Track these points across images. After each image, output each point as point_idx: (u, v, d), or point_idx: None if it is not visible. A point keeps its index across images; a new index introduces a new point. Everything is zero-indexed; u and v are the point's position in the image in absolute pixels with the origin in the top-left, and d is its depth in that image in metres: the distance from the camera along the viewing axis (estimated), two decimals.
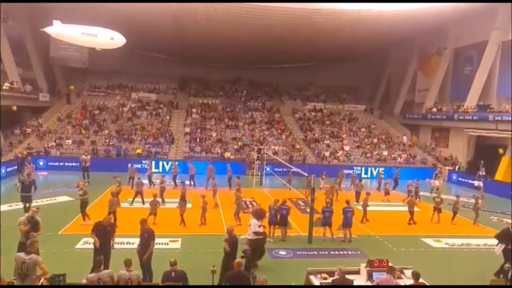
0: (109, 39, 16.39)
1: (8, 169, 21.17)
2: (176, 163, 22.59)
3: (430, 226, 15.10)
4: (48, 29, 15.74)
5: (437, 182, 22.31)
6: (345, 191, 20.41)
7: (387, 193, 19.27)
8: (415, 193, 18.43)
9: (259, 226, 9.99)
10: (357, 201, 17.52)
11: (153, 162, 24.70)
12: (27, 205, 13.34)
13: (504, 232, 10.03)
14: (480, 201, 16.05)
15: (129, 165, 21.64)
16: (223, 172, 21.36)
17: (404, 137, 33.02)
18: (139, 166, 24.11)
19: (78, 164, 23.23)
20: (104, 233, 8.81)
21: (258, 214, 10.41)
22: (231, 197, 15.85)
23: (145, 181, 18.89)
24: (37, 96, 30.31)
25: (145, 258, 8.32)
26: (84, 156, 21.57)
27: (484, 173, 22.80)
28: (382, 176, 22.84)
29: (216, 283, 7.79)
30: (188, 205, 14.54)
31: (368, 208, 15.10)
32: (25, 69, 30.44)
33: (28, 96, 28.95)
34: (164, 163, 25.80)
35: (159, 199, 14.35)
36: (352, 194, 18.52)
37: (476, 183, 22.34)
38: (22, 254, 6.56)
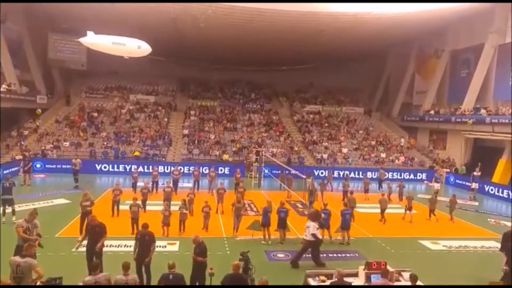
0: (136, 47, 17.40)
1: (4, 171, 21.03)
2: (156, 167, 21.12)
3: (428, 228, 15.12)
4: (83, 40, 16.84)
5: (436, 185, 22.33)
6: (335, 193, 20.54)
7: (366, 190, 20.11)
8: (400, 194, 19.28)
9: (317, 229, 10.42)
10: (344, 199, 17.95)
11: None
12: (11, 208, 13.17)
13: (506, 236, 9.88)
14: (457, 200, 16.90)
15: (151, 167, 21.21)
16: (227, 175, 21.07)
17: (402, 139, 33.12)
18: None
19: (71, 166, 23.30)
20: (92, 233, 8.69)
21: (315, 216, 10.72)
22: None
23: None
24: (35, 98, 30.23)
25: (147, 261, 8.31)
26: (74, 160, 20.91)
27: (479, 174, 22.71)
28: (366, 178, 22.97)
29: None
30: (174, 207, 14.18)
31: (364, 211, 15.15)
32: (22, 71, 30.38)
33: (26, 98, 28.86)
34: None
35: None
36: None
37: (473, 185, 22.24)
38: (17, 258, 6.54)
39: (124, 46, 16.98)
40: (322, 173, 25.84)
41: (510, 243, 9.51)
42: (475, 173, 22.46)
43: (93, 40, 16.73)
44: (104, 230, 8.80)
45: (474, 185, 22.14)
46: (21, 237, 8.37)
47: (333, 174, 24.80)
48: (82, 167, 22.89)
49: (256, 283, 6.64)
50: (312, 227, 10.39)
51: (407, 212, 15.97)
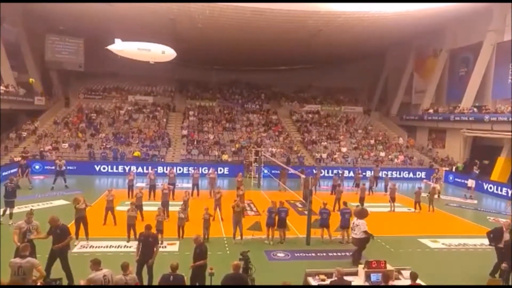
0: (160, 52, 17.91)
1: (3, 173, 20.99)
2: (154, 170, 20.36)
3: (427, 226, 15.15)
4: (111, 47, 17.34)
5: (432, 184, 22.42)
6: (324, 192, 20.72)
7: (357, 185, 20.84)
8: (370, 187, 21.08)
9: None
10: (332, 193, 19.14)
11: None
12: (9, 211, 13.14)
13: (497, 231, 10.01)
14: (437, 191, 18.57)
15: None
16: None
17: (400, 139, 33.15)
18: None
19: (77, 167, 23.22)
20: (54, 235, 8.50)
21: (362, 214, 10.88)
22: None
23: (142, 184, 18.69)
24: (33, 100, 30.18)
25: (151, 262, 8.34)
26: (58, 161, 20.63)
27: (476, 171, 22.59)
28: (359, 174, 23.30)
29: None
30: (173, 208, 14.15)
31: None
32: (20, 73, 30.31)
33: (24, 99, 28.80)
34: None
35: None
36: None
37: (469, 182, 22.15)
38: (17, 259, 6.51)
39: (149, 52, 17.52)
40: (321, 172, 25.86)
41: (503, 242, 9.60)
42: (473, 171, 22.43)
43: (120, 47, 17.33)
44: (66, 232, 8.60)
45: (470, 182, 22.01)
46: (14, 240, 8.33)
47: (332, 173, 24.92)
48: (82, 169, 22.85)
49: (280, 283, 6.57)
50: (362, 224, 10.51)
51: (392, 203, 17.28)
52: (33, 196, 17.73)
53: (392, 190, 17.79)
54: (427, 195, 18.25)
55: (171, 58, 18.76)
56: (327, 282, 7.46)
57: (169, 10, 24.46)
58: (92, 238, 11.70)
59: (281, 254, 11.40)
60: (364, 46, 33.04)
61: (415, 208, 17.55)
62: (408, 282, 7.24)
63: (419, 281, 7.10)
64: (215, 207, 14.96)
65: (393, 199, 17.49)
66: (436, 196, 19.17)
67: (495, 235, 9.94)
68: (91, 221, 12.00)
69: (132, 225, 11.76)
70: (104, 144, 27.81)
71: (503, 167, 24.70)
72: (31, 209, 9.43)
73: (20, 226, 8.63)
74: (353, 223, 10.84)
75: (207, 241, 11.43)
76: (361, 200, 17.41)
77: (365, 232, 10.48)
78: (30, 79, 23.84)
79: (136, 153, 26.78)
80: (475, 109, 27.06)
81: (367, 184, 20.55)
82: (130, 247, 11.12)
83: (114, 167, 25.33)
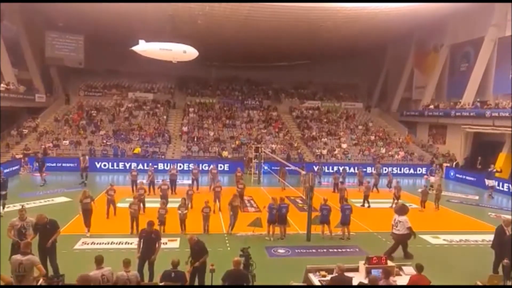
0: (182, 52, 18.32)
1: (5, 170, 20.99)
2: (153, 168, 20.46)
3: (428, 222, 15.14)
4: (135, 48, 17.96)
5: (432, 179, 22.38)
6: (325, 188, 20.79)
7: (360, 183, 20.56)
8: (375, 185, 20.78)
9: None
10: (334, 191, 19.27)
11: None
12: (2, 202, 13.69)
13: (499, 235, 9.82)
14: (441, 189, 17.96)
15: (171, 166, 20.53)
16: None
17: (399, 137, 33.09)
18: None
19: (77, 164, 23.29)
20: (43, 231, 8.48)
21: (403, 210, 11.01)
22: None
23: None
24: (33, 97, 30.18)
25: (153, 258, 8.37)
26: (81, 157, 21.08)
27: (494, 170, 22.13)
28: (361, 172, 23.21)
29: (214, 282, 7.77)
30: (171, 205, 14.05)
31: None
32: (20, 70, 30.30)
33: (25, 96, 28.80)
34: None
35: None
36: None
37: (487, 182, 21.67)
38: (18, 256, 6.52)
39: (170, 51, 17.99)
40: (322, 169, 25.84)
41: (504, 239, 9.47)
42: (490, 169, 21.99)
43: (143, 47, 17.89)
44: (55, 226, 8.63)
45: (487, 182, 21.58)
46: (9, 236, 8.36)
47: (332, 169, 25.00)
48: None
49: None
50: (405, 221, 10.64)
51: (395, 201, 16.88)
52: (35, 193, 17.76)
53: (398, 188, 17.40)
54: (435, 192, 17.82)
55: (193, 57, 19.02)
56: (328, 278, 7.46)
57: (168, 7, 24.36)
58: (94, 235, 11.78)
59: (281, 250, 11.41)
60: (364, 42, 32.92)
61: (422, 207, 17.10)
62: (408, 278, 7.25)
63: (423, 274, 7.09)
64: (214, 200, 15.30)
65: (397, 197, 17.14)
66: (431, 191, 18.95)
67: (498, 238, 9.75)
68: (92, 217, 12.09)
69: (136, 217, 12.04)
70: (105, 141, 27.83)
71: (504, 163, 24.64)
72: (23, 206, 9.33)
73: (13, 223, 8.49)
74: (394, 220, 10.94)
75: (207, 233, 11.97)
76: (366, 198, 17.40)
77: (409, 228, 10.60)
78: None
79: (136, 150, 26.80)
80: (478, 104, 26.92)
81: (371, 182, 20.33)
82: (131, 243, 11.14)
83: (115, 164, 25.38)
